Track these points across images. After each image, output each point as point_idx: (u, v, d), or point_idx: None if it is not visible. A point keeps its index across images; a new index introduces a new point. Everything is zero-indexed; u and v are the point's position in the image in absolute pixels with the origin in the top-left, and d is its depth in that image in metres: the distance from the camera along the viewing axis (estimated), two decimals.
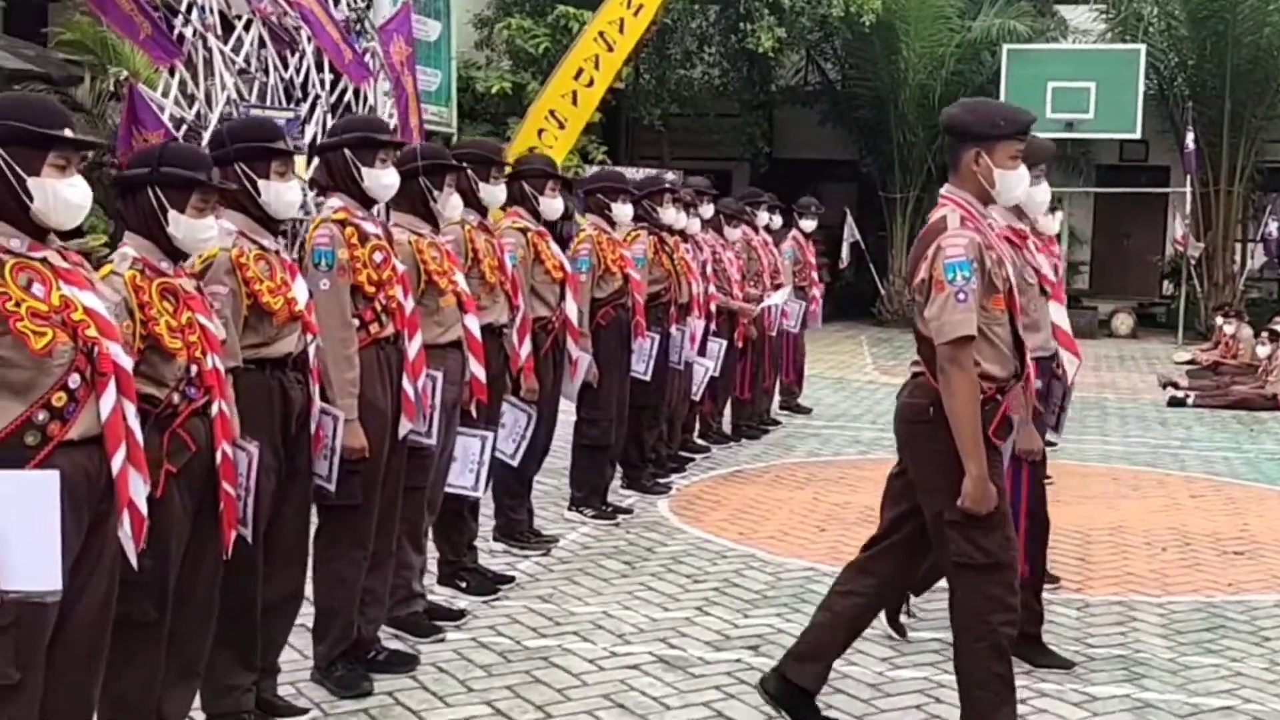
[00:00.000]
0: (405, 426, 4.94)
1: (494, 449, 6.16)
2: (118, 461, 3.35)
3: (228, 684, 4.35)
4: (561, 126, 17.79)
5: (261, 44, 13.09)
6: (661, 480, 8.41)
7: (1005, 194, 4.24)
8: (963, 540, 4.09)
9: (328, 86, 14.16)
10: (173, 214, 3.81)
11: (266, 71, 13.25)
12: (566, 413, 7.32)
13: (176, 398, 3.76)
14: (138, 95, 9.81)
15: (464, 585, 6.08)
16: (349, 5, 14.44)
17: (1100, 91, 18.72)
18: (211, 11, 12.30)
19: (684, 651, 5.36)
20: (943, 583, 4.68)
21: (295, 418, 4.37)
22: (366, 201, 4.91)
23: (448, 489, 5.70)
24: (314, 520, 4.75)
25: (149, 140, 9.18)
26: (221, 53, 12.34)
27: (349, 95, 14.58)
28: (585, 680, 5.03)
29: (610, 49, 17.58)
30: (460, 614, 5.72)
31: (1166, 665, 5.36)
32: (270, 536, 4.38)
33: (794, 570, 6.64)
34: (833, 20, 19.18)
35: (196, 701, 4.21)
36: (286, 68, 13.56)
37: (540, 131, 17.57)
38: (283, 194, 4.36)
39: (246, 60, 12.93)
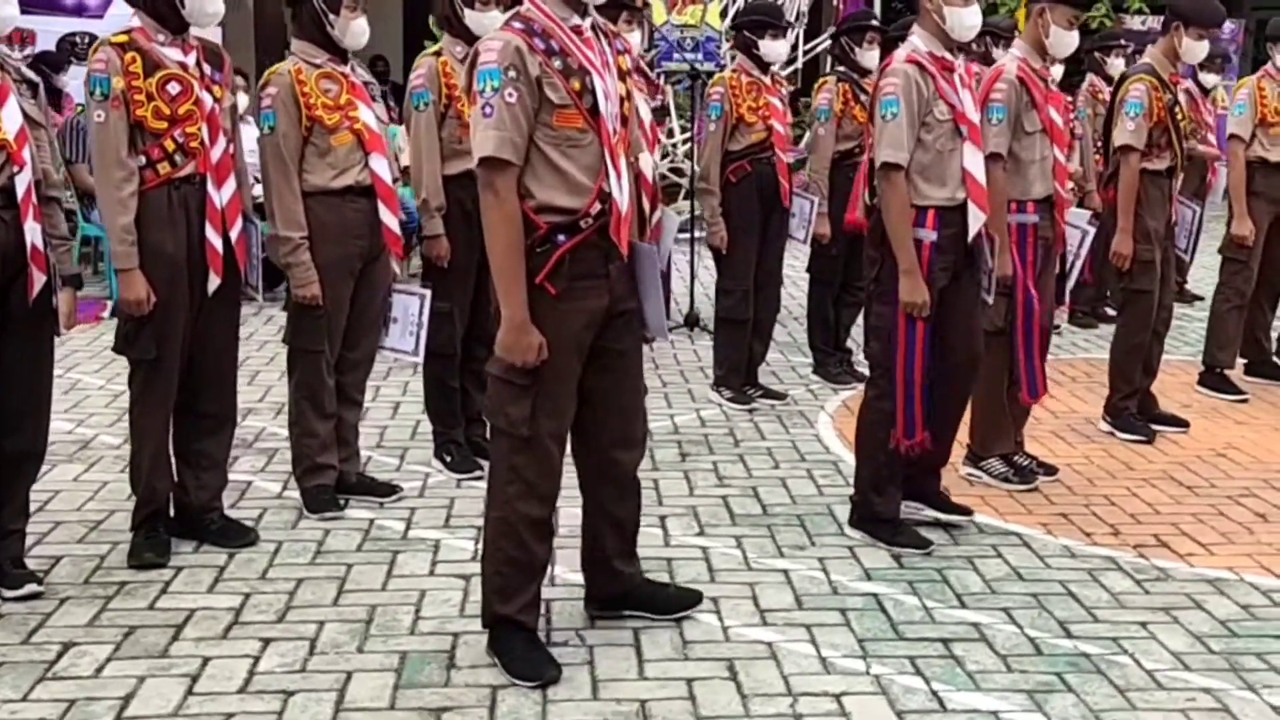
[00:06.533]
0: (214, 282, 4.25)
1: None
2: None
3: None
4: None
5: None
6: (854, 371, 6.99)
7: None
8: (492, 397, 3.46)
9: None
10: None
11: None
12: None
13: None
14: None
15: (448, 460, 5.30)
16: None
17: None
18: None
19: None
20: None
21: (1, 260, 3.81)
22: (179, 27, 4.18)
23: (387, 350, 4.94)
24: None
25: None
26: None
27: None
28: (391, 585, 4.18)
29: None
30: (391, 490, 4.97)
31: None
32: None
33: None
34: None
35: None
36: None
37: None
38: None
39: None
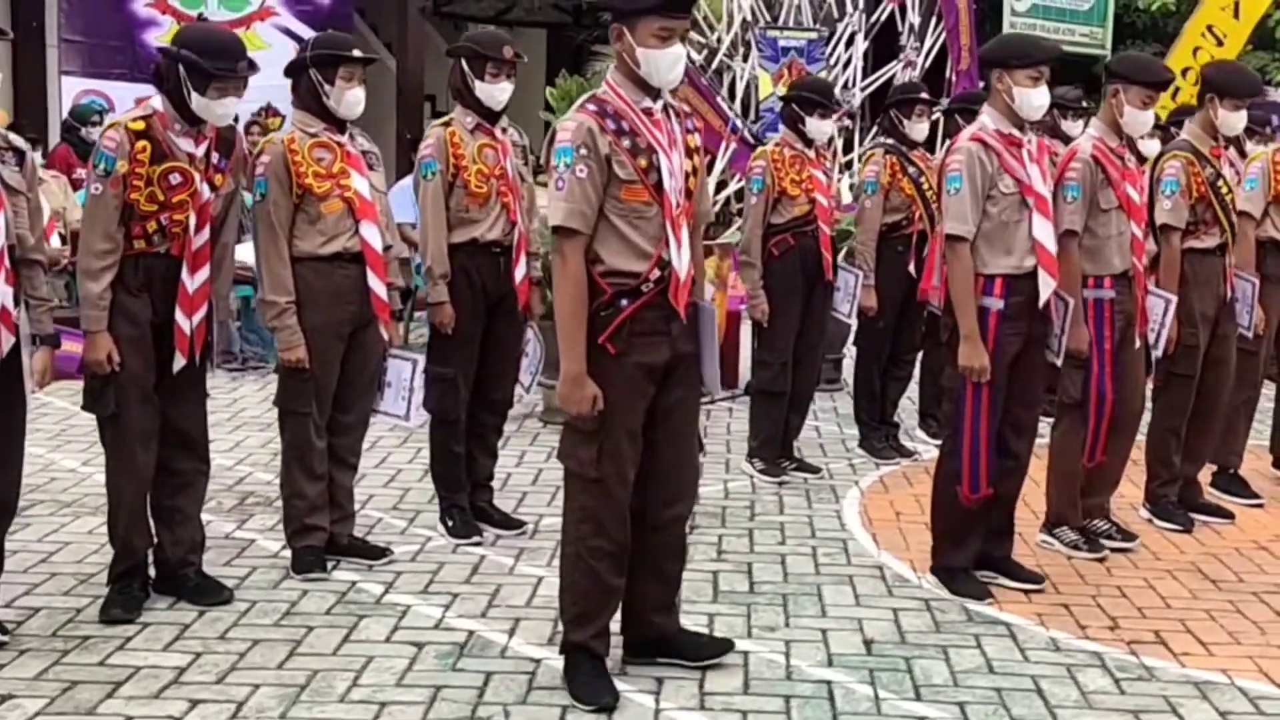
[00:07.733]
0: (179, 362, 4.33)
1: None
2: None
3: None
4: (1220, 43, 15.22)
5: None
6: (899, 445, 6.79)
7: (654, 74, 3.63)
8: (564, 441, 3.75)
9: (861, 4, 13.12)
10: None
11: None
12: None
13: None
14: None
15: (450, 525, 5.27)
16: None
17: None
18: None
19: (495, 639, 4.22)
20: None
21: None
22: (195, 119, 4.27)
23: (380, 414, 4.95)
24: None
25: None
26: None
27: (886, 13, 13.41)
28: (344, 650, 4.13)
29: None
30: (382, 552, 4.95)
31: None
32: None
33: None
34: None
35: None
36: None
37: (1195, 50, 15.12)
38: None
39: None
